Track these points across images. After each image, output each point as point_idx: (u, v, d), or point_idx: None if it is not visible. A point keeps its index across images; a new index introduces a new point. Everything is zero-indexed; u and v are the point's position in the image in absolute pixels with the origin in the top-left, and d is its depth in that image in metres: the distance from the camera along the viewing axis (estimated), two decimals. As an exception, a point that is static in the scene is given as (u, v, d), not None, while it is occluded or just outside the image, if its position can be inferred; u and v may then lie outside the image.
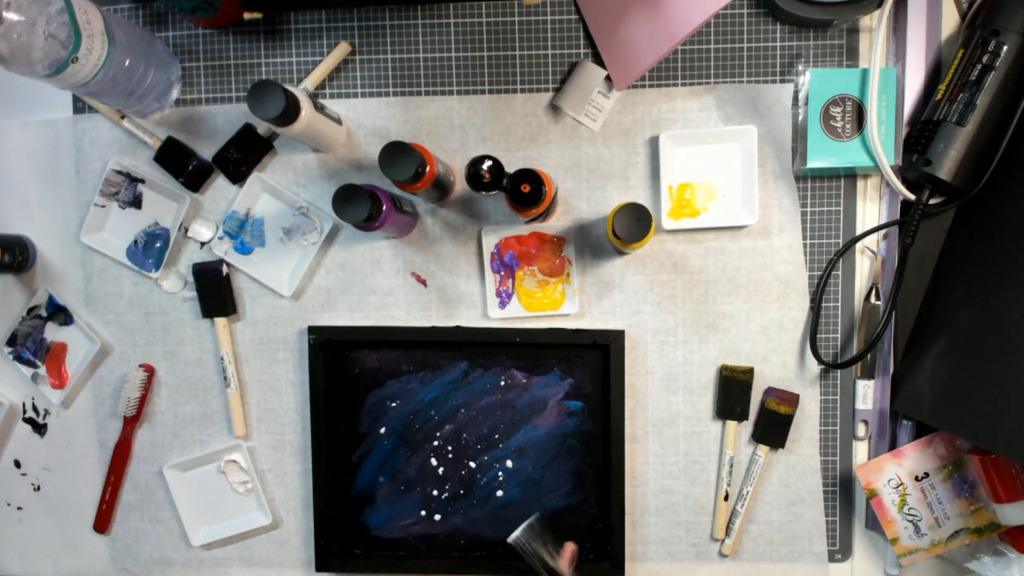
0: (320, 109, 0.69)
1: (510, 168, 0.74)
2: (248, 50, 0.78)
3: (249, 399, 0.80)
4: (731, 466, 0.77)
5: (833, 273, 0.76)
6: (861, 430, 0.76)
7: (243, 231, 0.78)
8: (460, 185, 0.77)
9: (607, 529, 0.77)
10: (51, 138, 0.79)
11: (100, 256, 0.80)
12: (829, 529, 0.78)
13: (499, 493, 0.79)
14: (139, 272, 0.79)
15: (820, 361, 0.75)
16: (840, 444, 0.77)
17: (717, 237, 0.76)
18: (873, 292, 0.75)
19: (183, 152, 0.77)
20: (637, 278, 0.77)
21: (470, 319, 0.78)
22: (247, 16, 0.75)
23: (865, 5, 0.70)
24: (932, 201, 0.71)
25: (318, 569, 0.78)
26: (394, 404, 0.79)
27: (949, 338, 0.70)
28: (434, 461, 0.79)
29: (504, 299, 0.77)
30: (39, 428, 0.82)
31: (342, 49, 0.76)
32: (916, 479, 0.72)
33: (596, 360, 0.77)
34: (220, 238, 0.78)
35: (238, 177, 0.78)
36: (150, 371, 0.80)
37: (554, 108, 0.76)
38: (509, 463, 0.78)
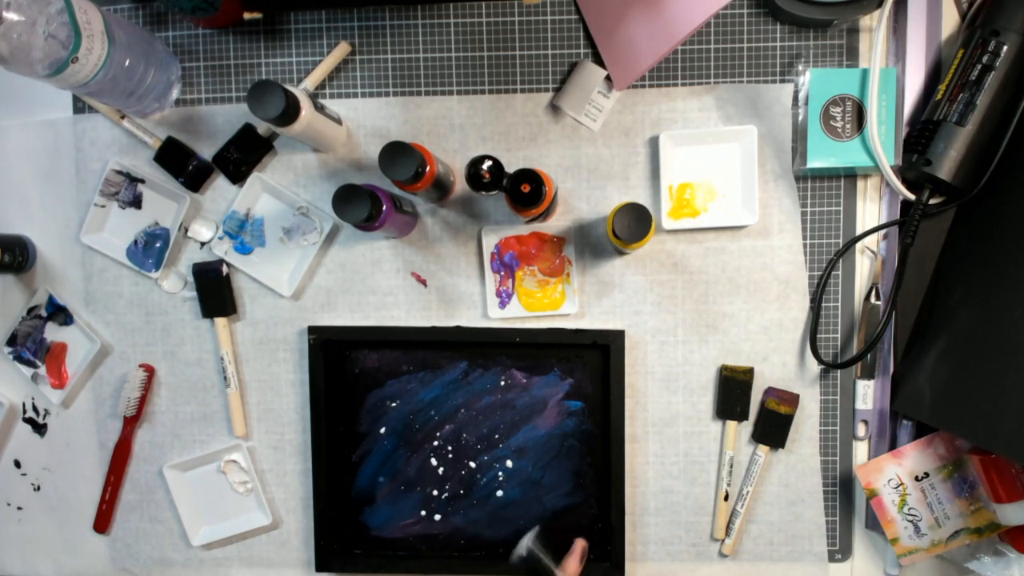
0: (320, 109, 0.69)
1: (510, 168, 0.74)
2: (248, 50, 0.77)
3: (249, 399, 0.80)
4: (731, 466, 0.77)
5: (833, 273, 0.76)
6: (861, 430, 0.76)
7: (243, 231, 0.78)
8: (460, 185, 0.77)
9: (607, 529, 0.77)
10: (51, 138, 0.79)
11: (100, 256, 0.80)
12: (829, 529, 0.78)
13: (499, 493, 0.79)
14: (139, 272, 0.79)
15: (820, 361, 0.75)
16: (840, 444, 0.77)
17: (717, 237, 0.76)
18: (873, 292, 0.75)
19: (183, 152, 0.77)
20: (637, 278, 0.77)
21: (470, 319, 0.78)
22: (247, 16, 0.75)
23: (865, 5, 0.70)
24: (932, 201, 0.71)
25: (318, 569, 0.78)
26: (394, 404, 0.79)
27: (949, 338, 0.70)
28: (434, 461, 0.79)
29: (504, 299, 0.77)
30: (39, 428, 0.82)
31: (342, 49, 0.76)
32: (916, 479, 0.72)
33: (596, 360, 0.77)
34: (220, 238, 0.78)
35: (238, 177, 0.78)
36: (150, 371, 0.80)
37: (554, 108, 0.76)
38: (509, 463, 0.78)
